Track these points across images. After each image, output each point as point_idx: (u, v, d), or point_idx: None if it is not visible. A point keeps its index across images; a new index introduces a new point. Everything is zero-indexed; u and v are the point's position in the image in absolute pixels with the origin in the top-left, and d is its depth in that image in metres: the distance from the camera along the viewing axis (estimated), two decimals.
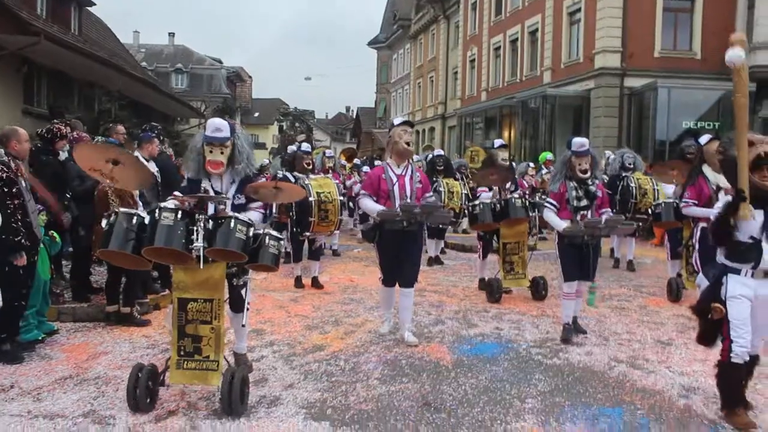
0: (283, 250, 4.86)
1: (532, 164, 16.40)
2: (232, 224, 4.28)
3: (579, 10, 25.21)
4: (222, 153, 4.62)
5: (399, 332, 6.31)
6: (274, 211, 10.13)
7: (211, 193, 4.59)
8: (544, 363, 5.64)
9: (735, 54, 4.10)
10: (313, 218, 8.50)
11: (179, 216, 4.23)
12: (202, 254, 4.20)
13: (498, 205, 8.10)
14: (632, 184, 10.51)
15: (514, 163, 11.63)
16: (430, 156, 12.58)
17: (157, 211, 4.27)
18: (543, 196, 9.94)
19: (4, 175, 5.35)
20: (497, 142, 8.98)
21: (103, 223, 4.46)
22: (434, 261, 11.37)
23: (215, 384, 4.33)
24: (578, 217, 6.28)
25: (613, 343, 6.28)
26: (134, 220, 4.36)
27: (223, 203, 4.55)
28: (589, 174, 6.32)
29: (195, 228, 4.22)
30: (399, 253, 6.12)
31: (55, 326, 6.20)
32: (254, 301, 7.74)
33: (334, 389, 4.86)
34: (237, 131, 4.73)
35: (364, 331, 6.62)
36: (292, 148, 12.30)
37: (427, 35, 44.51)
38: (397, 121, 6.41)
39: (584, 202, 6.33)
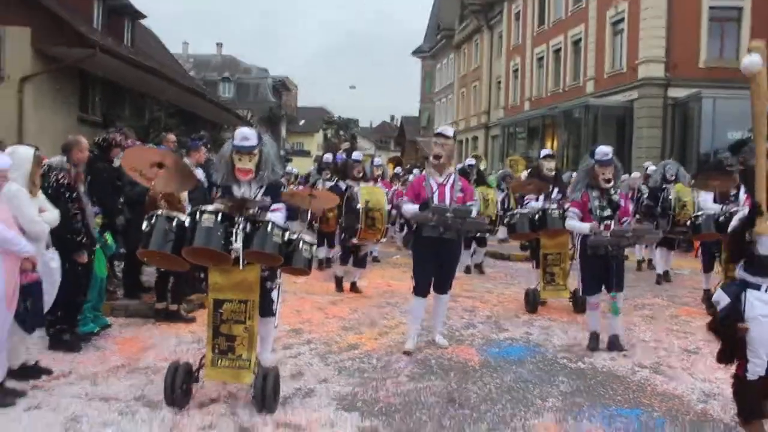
0: (314, 254, 5.03)
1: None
2: (269, 228, 4.46)
3: (622, 20, 25.15)
4: (250, 161, 4.80)
5: (431, 335, 6.48)
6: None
7: (244, 198, 4.74)
8: (568, 366, 5.84)
9: (751, 61, 4.05)
10: (360, 225, 8.67)
11: (219, 218, 4.39)
12: (241, 255, 4.36)
13: (537, 216, 8.14)
14: (671, 196, 10.41)
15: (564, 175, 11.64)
16: (461, 165, 12.46)
17: (197, 213, 4.43)
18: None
19: (65, 181, 5.81)
20: (543, 152, 9.03)
21: (144, 224, 4.62)
22: (477, 268, 11.41)
23: (247, 382, 4.51)
24: (602, 227, 6.20)
25: (639, 350, 6.43)
26: (174, 222, 4.52)
27: (263, 207, 4.74)
28: (612, 183, 6.34)
29: (234, 230, 4.38)
30: (435, 262, 6.15)
31: (108, 321, 6.63)
32: (294, 303, 8.19)
33: (365, 384, 5.16)
34: (264, 140, 4.93)
35: (398, 332, 6.90)
36: (328, 156, 12.74)
37: (471, 45, 44.71)
38: (439, 131, 6.47)
39: (608, 212, 6.32)
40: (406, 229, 8.69)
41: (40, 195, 5.21)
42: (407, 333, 6.40)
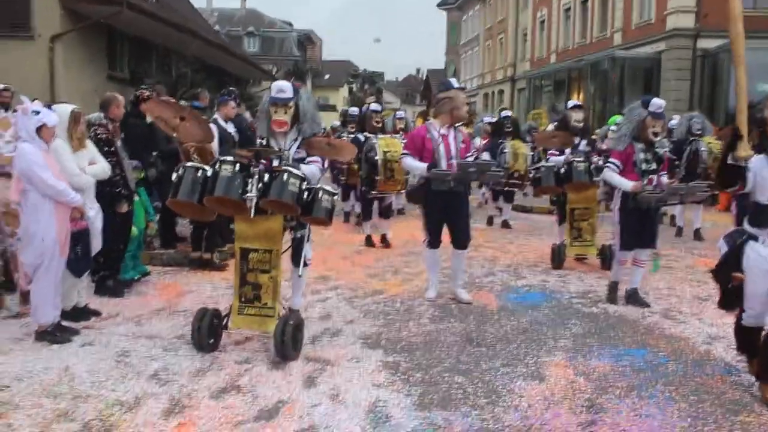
0: (336, 204, 5.06)
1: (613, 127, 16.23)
2: (285, 177, 4.52)
3: None
4: (285, 113, 4.91)
5: (452, 291, 6.45)
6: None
7: (260, 147, 4.93)
8: (582, 311, 6.14)
9: None
10: (379, 177, 8.70)
11: (237, 168, 4.51)
12: (254, 204, 4.46)
13: (562, 169, 7.92)
14: (703, 149, 10.17)
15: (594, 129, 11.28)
16: (497, 117, 12.27)
17: (218, 163, 4.58)
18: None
19: (104, 135, 6.15)
20: (571, 103, 8.70)
21: (173, 176, 4.77)
22: (503, 225, 11.31)
23: (272, 329, 4.59)
24: (645, 182, 6.02)
25: (651, 296, 6.66)
26: (199, 173, 4.64)
27: (276, 157, 4.84)
28: (659, 138, 6.20)
29: (250, 180, 4.50)
30: (446, 214, 6.14)
31: (147, 269, 7.05)
32: (321, 252, 8.50)
33: (389, 325, 5.52)
34: (300, 93, 5.02)
35: (421, 279, 7.21)
36: (353, 109, 12.78)
37: None
38: (455, 84, 6.41)
39: (653, 166, 6.11)
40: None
41: (90, 148, 5.54)
42: (428, 282, 6.51)
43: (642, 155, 6.09)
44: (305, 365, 4.53)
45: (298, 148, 5.00)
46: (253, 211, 4.49)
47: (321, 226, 5.22)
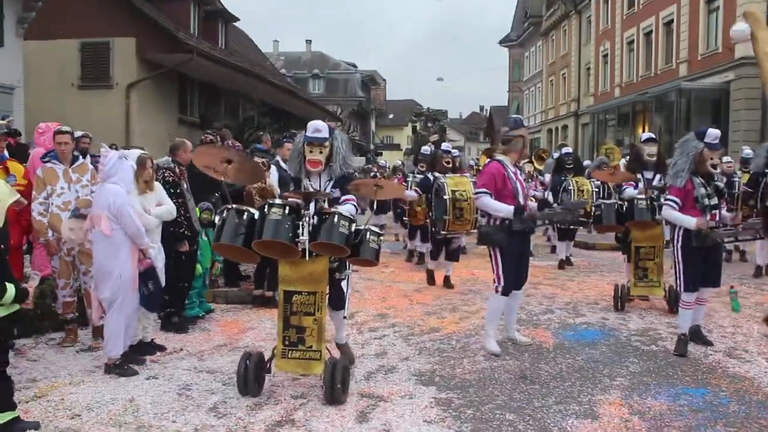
0: (381, 245, 4.99)
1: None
2: (336, 219, 4.51)
3: None
4: (321, 153, 4.89)
5: (506, 334, 6.20)
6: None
7: (310, 191, 4.85)
8: (641, 349, 6.03)
9: (736, 29, 3.93)
10: (447, 216, 8.47)
11: (286, 211, 4.47)
12: (308, 247, 4.46)
13: (623, 206, 7.63)
14: None
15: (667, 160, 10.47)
16: (559, 154, 12.12)
17: (266, 206, 4.54)
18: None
19: (171, 178, 6.50)
20: (644, 136, 8.25)
21: (216, 219, 4.79)
22: (564, 263, 11.02)
23: (318, 372, 4.61)
24: (707, 217, 5.77)
25: (716, 334, 6.48)
26: (245, 216, 4.62)
27: (324, 199, 4.85)
28: (719, 170, 6.00)
29: (301, 223, 4.49)
30: (520, 257, 5.95)
31: (212, 306, 7.34)
32: (381, 291, 8.70)
33: (444, 362, 5.56)
34: (335, 133, 5.04)
35: (478, 317, 7.23)
36: (425, 148, 12.84)
37: (559, 31, 43.94)
38: (523, 122, 6.27)
39: (714, 201, 5.84)
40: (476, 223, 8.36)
41: (158, 190, 5.88)
42: (487, 334, 5.99)
43: (703, 190, 5.80)
44: (359, 401, 4.62)
45: (333, 187, 4.99)
46: (308, 254, 4.48)
47: (368, 266, 5.24)
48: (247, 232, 4.58)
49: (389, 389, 4.87)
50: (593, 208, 9.26)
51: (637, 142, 8.43)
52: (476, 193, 6.03)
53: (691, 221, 5.74)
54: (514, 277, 5.86)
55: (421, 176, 10.17)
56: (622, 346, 6.14)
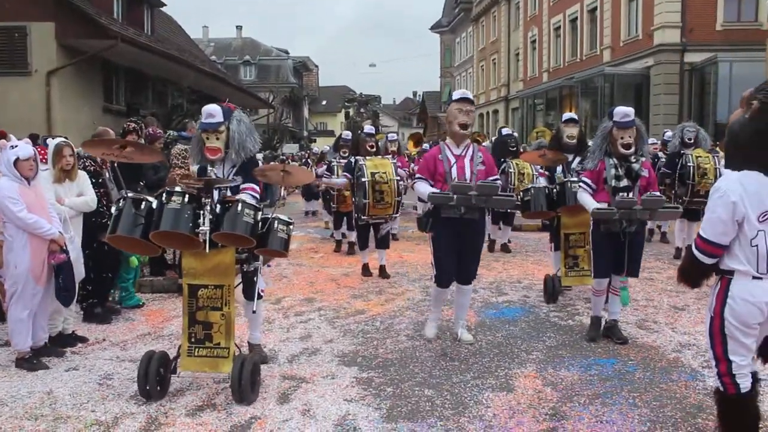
0: (291, 234, 4.67)
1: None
2: (239, 208, 4.23)
3: None
4: (218, 139, 4.60)
5: (453, 330, 5.92)
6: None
7: (211, 178, 4.53)
8: (558, 324, 6.29)
9: None
10: (367, 200, 8.10)
11: (186, 200, 4.17)
12: (208, 238, 4.15)
13: (554, 191, 7.20)
14: (690, 163, 9.44)
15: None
16: (498, 136, 11.51)
17: (164, 195, 4.22)
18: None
19: (92, 168, 6.38)
20: (565, 116, 7.73)
21: (113, 208, 4.48)
22: (502, 248, 10.81)
23: (226, 371, 4.35)
24: (616, 199, 5.44)
25: (629, 308, 6.78)
26: (143, 205, 4.32)
27: (229, 187, 4.58)
28: (632, 150, 5.50)
29: (202, 212, 4.18)
30: (457, 246, 5.46)
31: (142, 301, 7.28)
32: (309, 275, 8.71)
33: (367, 343, 5.67)
34: (233, 115, 4.68)
35: (404, 299, 7.39)
36: (347, 133, 12.69)
37: (489, 17, 44.60)
38: (455, 96, 5.60)
39: (624, 182, 5.51)
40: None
41: (81, 180, 5.78)
42: (428, 318, 5.93)
43: (613, 171, 5.53)
44: (281, 383, 4.68)
45: (235, 175, 4.70)
46: (208, 246, 4.19)
47: (277, 257, 5.05)
48: (146, 222, 4.28)
49: (311, 371, 4.94)
50: (521, 193, 8.29)
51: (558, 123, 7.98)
52: (414, 179, 5.77)
53: (591, 205, 5.52)
54: (449, 268, 5.51)
55: (345, 161, 9.89)
56: (541, 322, 6.38)
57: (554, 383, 4.70)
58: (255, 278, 4.83)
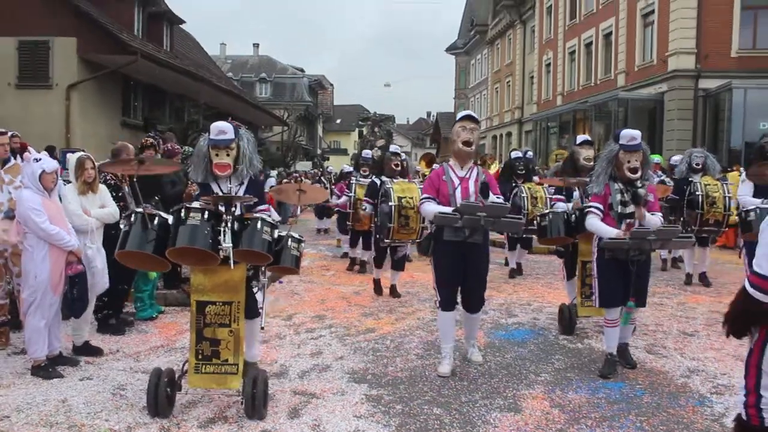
0: (303, 251, 4.76)
1: None
2: (258, 225, 4.26)
3: (653, 11, 25.21)
4: (228, 155, 4.60)
5: (463, 349, 5.85)
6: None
7: (231, 194, 4.55)
8: (567, 347, 6.31)
9: None
10: (392, 224, 8.05)
11: (206, 216, 4.17)
12: (231, 254, 4.14)
13: (573, 216, 6.78)
14: (698, 192, 9.27)
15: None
16: (509, 159, 11.18)
17: (182, 211, 4.20)
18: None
19: (112, 182, 6.52)
20: (579, 138, 7.44)
21: (122, 224, 4.45)
22: (515, 272, 10.54)
23: (235, 387, 4.37)
24: (623, 226, 5.29)
25: (638, 332, 6.80)
26: (155, 221, 4.31)
27: (249, 204, 4.58)
28: (639, 174, 5.38)
29: (221, 229, 4.17)
30: (461, 270, 5.34)
31: (162, 308, 7.42)
32: (320, 293, 8.79)
33: (377, 361, 5.72)
34: (241, 133, 4.74)
35: (414, 318, 7.45)
36: (367, 152, 12.68)
37: (504, 40, 44.90)
38: (458, 116, 5.58)
39: (631, 208, 5.36)
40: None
41: (103, 192, 5.95)
42: (441, 353, 5.57)
43: (618, 196, 5.40)
44: (292, 398, 4.74)
45: (245, 193, 4.70)
46: (232, 262, 4.16)
47: (288, 274, 5.07)
48: (158, 237, 4.25)
49: (322, 387, 5.00)
50: (538, 218, 7.80)
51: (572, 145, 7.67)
52: (420, 200, 5.63)
53: (608, 232, 5.31)
54: (453, 291, 5.41)
55: (368, 180, 9.76)
56: (550, 344, 6.41)
57: (562, 405, 4.73)
58: (259, 296, 4.82)
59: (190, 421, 4.27)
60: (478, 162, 10.90)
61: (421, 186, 8.38)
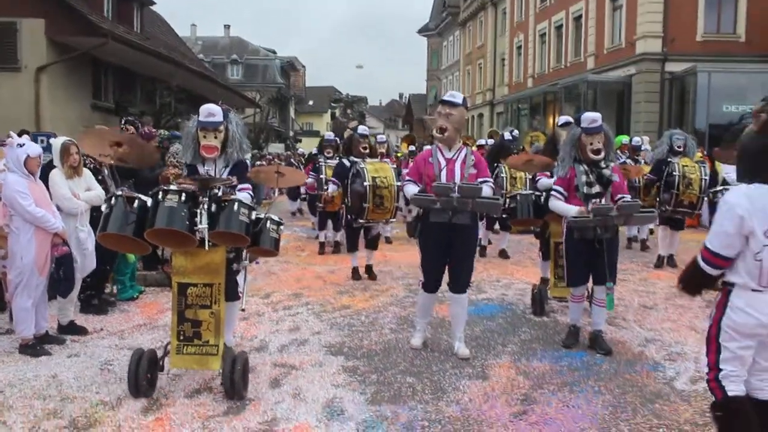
0: (281, 233, 4.80)
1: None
2: (235, 207, 4.30)
3: None
4: (216, 138, 4.67)
5: (453, 346, 5.60)
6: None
7: (208, 177, 4.64)
8: (533, 320, 6.66)
9: None
10: (367, 204, 8.05)
11: (183, 198, 4.22)
12: (206, 236, 4.22)
13: (541, 198, 6.91)
14: (676, 172, 9.31)
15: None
16: (501, 139, 11.13)
17: (160, 193, 4.26)
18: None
19: (91, 165, 6.66)
20: (561, 119, 7.42)
21: (103, 207, 4.49)
22: (500, 254, 10.61)
23: (215, 368, 4.45)
24: (589, 206, 5.44)
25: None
26: (135, 204, 4.35)
27: (219, 187, 4.59)
28: (602, 155, 5.53)
29: (198, 210, 4.24)
30: (446, 252, 5.39)
31: (143, 288, 7.60)
32: (296, 272, 9.02)
33: (352, 335, 6.00)
34: (230, 117, 4.80)
35: (388, 295, 7.73)
36: (329, 134, 12.41)
37: (476, 22, 45.12)
38: (444, 98, 5.57)
39: (596, 189, 5.52)
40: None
41: (87, 175, 6.12)
42: (415, 327, 5.84)
43: (584, 178, 5.55)
44: (272, 369, 5.01)
45: (229, 174, 4.79)
46: (207, 244, 4.26)
47: (268, 256, 5.23)
48: (138, 220, 4.32)
49: (301, 359, 5.27)
50: (507, 200, 7.95)
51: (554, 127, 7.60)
52: (404, 182, 5.76)
53: (572, 209, 5.52)
54: (437, 274, 5.49)
55: (337, 161, 9.74)
56: (518, 318, 6.75)
57: (526, 372, 5.06)
58: (240, 278, 4.92)
59: (177, 391, 4.51)
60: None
61: (394, 167, 8.71)
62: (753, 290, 3.16)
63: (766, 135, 3.19)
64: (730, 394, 3.25)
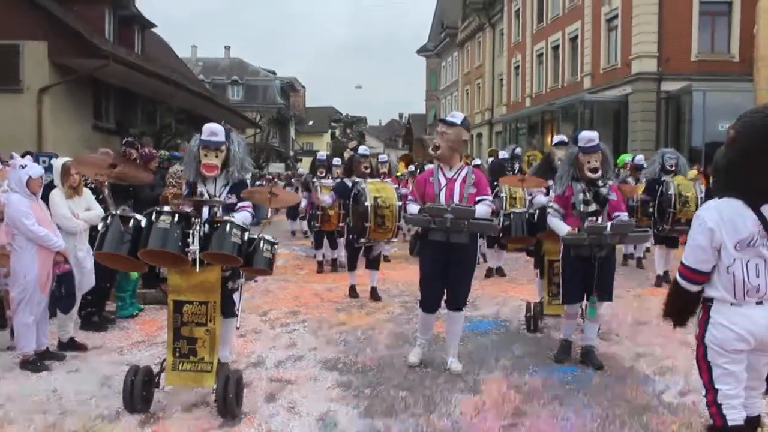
0: (276, 253, 4.85)
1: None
2: (227, 228, 4.36)
3: (616, 16, 25.91)
4: (217, 157, 4.74)
5: (446, 361, 5.66)
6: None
7: (206, 196, 4.73)
8: (527, 336, 6.75)
9: None
10: (369, 224, 8.03)
11: (176, 219, 4.30)
12: (198, 257, 4.28)
13: (535, 216, 7.01)
14: (671, 191, 9.38)
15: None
16: (496, 158, 11.30)
17: (153, 214, 4.33)
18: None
19: (92, 185, 6.80)
20: (556, 139, 7.57)
21: (99, 225, 4.58)
22: (497, 272, 10.66)
23: (209, 385, 4.46)
24: (585, 224, 5.50)
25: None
26: (131, 223, 4.42)
27: (216, 207, 4.67)
28: (599, 174, 5.62)
29: (191, 231, 4.32)
30: (445, 271, 5.41)
31: (142, 306, 7.71)
32: (294, 290, 9.12)
33: (348, 351, 6.10)
34: (232, 136, 4.89)
35: (384, 312, 7.83)
36: (321, 153, 12.42)
37: (474, 43, 45.55)
38: (444, 120, 5.61)
39: (593, 207, 5.59)
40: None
41: (87, 195, 6.26)
42: (417, 342, 5.87)
43: (581, 196, 5.63)
44: (268, 384, 5.10)
45: (228, 193, 4.87)
46: (198, 265, 4.32)
47: (262, 275, 5.34)
48: (133, 240, 4.39)
49: (296, 374, 5.37)
50: (502, 218, 7.80)
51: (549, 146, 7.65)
52: (408, 201, 5.82)
53: (563, 230, 5.60)
54: (435, 293, 5.53)
55: (338, 181, 9.68)
56: (511, 334, 6.84)
57: (518, 386, 5.15)
58: (236, 297, 4.98)
59: (174, 405, 4.60)
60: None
61: (396, 187, 8.81)
62: (731, 304, 3.18)
63: (733, 150, 3.28)
64: (731, 423, 3.20)
